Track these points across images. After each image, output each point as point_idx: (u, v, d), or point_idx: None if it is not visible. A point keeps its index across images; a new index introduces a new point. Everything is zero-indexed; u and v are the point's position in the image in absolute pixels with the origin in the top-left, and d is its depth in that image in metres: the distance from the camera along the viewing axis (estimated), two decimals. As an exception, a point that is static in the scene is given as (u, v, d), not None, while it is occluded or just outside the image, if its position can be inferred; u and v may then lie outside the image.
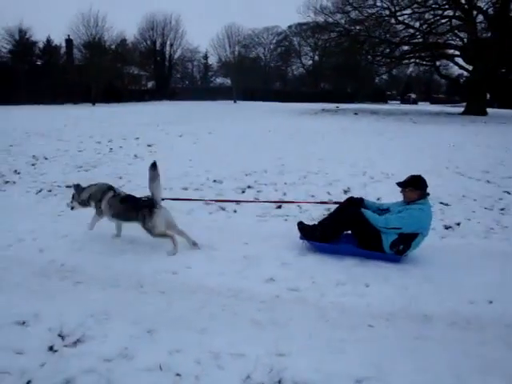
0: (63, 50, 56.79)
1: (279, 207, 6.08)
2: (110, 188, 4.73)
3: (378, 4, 27.43)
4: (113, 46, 53.80)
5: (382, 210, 4.60)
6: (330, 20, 30.36)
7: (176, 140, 12.77)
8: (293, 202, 6.07)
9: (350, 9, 28.54)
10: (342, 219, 4.46)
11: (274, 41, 66.94)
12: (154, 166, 4.42)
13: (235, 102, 45.55)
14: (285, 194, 6.72)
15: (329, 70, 45.89)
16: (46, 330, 2.98)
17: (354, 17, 29.06)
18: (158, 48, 60.65)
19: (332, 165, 8.76)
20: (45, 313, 3.18)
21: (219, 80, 66.34)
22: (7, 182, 7.44)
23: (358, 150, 10.72)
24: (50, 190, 6.77)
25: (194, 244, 4.46)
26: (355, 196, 4.96)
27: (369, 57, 31.70)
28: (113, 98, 47.65)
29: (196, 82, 68.13)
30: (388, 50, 29.83)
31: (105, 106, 39.76)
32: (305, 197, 6.55)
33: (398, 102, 60.68)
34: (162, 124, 17.28)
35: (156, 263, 4.11)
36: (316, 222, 4.74)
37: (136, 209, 4.40)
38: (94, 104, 43.71)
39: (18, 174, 8.13)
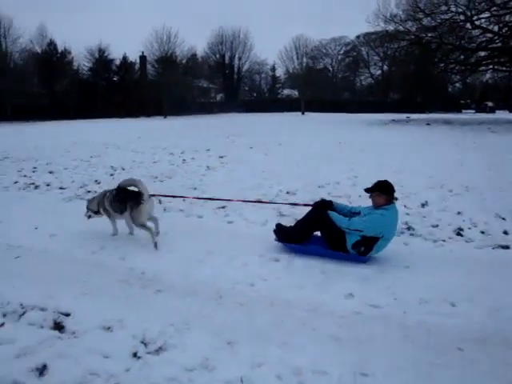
0: (137, 66, 59.45)
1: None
2: (107, 191, 5.41)
3: (453, 9, 26.49)
4: (184, 61, 55.60)
5: (354, 213, 4.78)
6: (401, 28, 29.66)
7: (247, 152, 12.93)
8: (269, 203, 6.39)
9: (422, 16, 27.80)
10: (311, 221, 4.73)
11: (342, 51, 66.50)
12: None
13: (303, 113, 45.54)
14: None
15: (398, 80, 44.76)
16: (130, 337, 3.06)
17: (426, 24, 28.23)
18: (226, 61, 62.05)
19: (407, 177, 8.48)
20: (128, 319, 3.27)
21: (286, 91, 66.74)
22: (89, 191, 7.83)
23: (433, 162, 10.34)
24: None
25: (156, 234, 5.00)
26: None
27: (441, 65, 30.61)
28: (183, 110, 49.11)
29: (263, 94, 68.83)
30: (462, 57, 28.71)
31: (176, 118, 41.05)
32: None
33: (473, 111, 58.03)
34: (232, 136, 17.60)
35: (234, 274, 4.13)
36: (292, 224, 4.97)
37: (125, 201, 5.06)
38: (165, 117, 45.29)
39: (99, 183, 8.55)
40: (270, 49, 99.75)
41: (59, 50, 59.05)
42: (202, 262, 4.45)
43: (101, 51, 58.55)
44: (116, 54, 60.58)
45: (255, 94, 68.59)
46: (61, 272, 4.25)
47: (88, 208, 5.49)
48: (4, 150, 15.33)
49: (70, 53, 59.22)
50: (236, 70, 62.72)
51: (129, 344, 2.98)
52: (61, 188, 8.30)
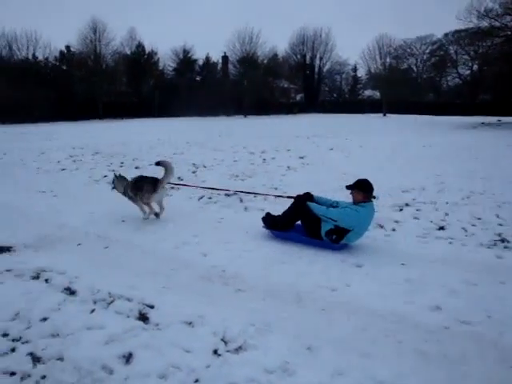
0: (219, 66, 60.82)
1: (441, 228, 5.63)
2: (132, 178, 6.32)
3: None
4: (265, 61, 56.00)
5: (335, 207, 5.13)
6: (496, 24, 27.85)
7: (327, 153, 12.77)
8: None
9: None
10: (292, 211, 5.22)
11: (428, 50, 63.70)
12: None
13: (385, 114, 44.28)
14: (447, 214, 6.20)
15: (490, 80, 42.10)
16: (211, 334, 3.09)
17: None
18: (307, 62, 61.62)
19: (499, 185, 7.92)
20: (209, 316, 3.30)
21: (368, 92, 65.18)
22: (172, 187, 8.07)
23: (530, 169, 9.59)
24: (210, 198, 7.18)
25: (157, 214, 6.05)
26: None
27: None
28: (263, 110, 49.50)
29: (344, 95, 67.72)
30: None
31: (256, 118, 41.46)
32: (469, 219, 5.98)
33: None
34: (312, 137, 17.46)
35: (314, 277, 4.05)
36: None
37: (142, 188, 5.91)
38: (245, 116, 45.91)
39: (181, 180, 8.79)
40: (351, 49, 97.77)
41: (147, 52, 61.89)
42: (283, 263, 4.41)
43: (185, 52, 60.69)
44: (199, 54, 62.47)
45: (335, 95, 67.60)
46: (145, 264, 4.40)
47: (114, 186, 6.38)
48: (95, 144, 16.30)
49: (156, 54, 61.96)
50: (317, 70, 62.11)
51: (209, 341, 3.01)
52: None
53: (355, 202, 4.94)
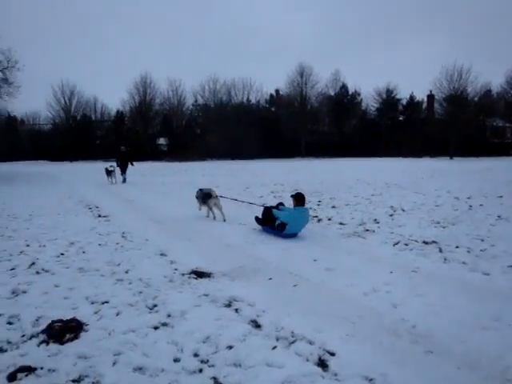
0: (424, 105, 58.75)
1: None
2: (201, 189, 9.99)
3: None
4: (476, 98, 52.13)
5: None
6: None
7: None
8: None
9: None
10: (263, 214, 8.20)
11: None
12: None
13: None
14: None
15: None
16: (395, 397, 2.82)
17: None
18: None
19: None
20: (392, 376, 3.03)
21: None
22: (367, 230, 7.89)
23: None
24: (406, 244, 6.78)
25: (224, 220, 9.36)
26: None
27: None
28: (472, 151, 45.84)
29: None
30: None
31: (463, 159, 38.55)
32: None
33: None
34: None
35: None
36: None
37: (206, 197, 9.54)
38: (451, 158, 43.08)
39: (378, 223, 8.53)
40: None
41: (350, 92, 63.35)
42: (485, 329, 3.82)
43: (388, 91, 60.29)
44: (403, 93, 61.36)
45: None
46: (331, 308, 4.29)
47: (196, 197, 9.99)
48: (296, 182, 17.08)
49: (359, 94, 63.12)
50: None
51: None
52: (341, 223, 8.61)
53: (294, 206, 7.72)
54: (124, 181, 20.85)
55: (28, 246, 7.25)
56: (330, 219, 9.08)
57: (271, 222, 7.80)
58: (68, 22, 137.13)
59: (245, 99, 66.37)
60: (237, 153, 54.07)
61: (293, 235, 7.52)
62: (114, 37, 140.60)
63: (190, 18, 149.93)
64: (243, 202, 10.41)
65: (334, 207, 10.60)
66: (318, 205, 11.09)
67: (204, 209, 9.82)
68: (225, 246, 6.98)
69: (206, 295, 4.63)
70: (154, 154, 62.83)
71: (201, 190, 9.91)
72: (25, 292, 4.90)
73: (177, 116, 68.20)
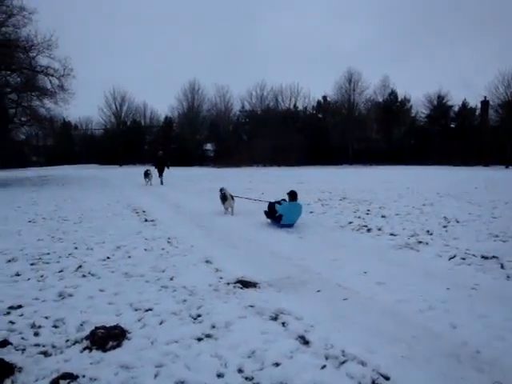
0: (478, 111, 56.78)
1: None
2: (222, 189, 11.61)
3: None
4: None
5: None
6: None
7: None
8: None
9: None
10: (268, 208, 9.82)
11: None
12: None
13: None
14: None
15: None
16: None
17: None
18: None
19: None
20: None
21: None
22: (420, 242, 7.50)
23: None
24: (463, 258, 6.36)
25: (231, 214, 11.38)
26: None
27: None
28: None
29: None
30: None
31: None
32: None
33: None
34: None
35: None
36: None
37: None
38: (507, 167, 41.27)
39: (430, 234, 8.12)
40: None
41: (399, 99, 62.01)
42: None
43: (439, 98, 58.57)
44: (455, 100, 59.45)
45: None
46: (384, 325, 4.02)
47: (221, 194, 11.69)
48: (343, 190, 16.73)
49: (408, 101, 61.67)
50: None
51: None
52: (391, 234, 8.24)
53: (289, 202, 9.40)
54: (161, 183, 22.33)
55: (76, 248, 7.35)
56: (379, 229, 8.72)
57: (272, 216, 9.56)
58: (120, 29, 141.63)
59: (292, 105, 66.32)
60: (283, 159, 53.95)
61: (289, 225, 9.23)
62: (164, 44, 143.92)
63: (239, 25, 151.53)
64: (254, 200, 12.22)
65: (383, 217, 10.21)
66: (367, 214, 10.73)
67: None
68: (271, 255, 6.80)
69: (252, 306, 4.47)
70: (201, 160, 63.72)
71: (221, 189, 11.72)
72: (71, 295, 4.91)
73: (224, 122, 68.89)
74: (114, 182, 25.36)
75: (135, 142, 67.06)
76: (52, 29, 32.55)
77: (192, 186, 21.40)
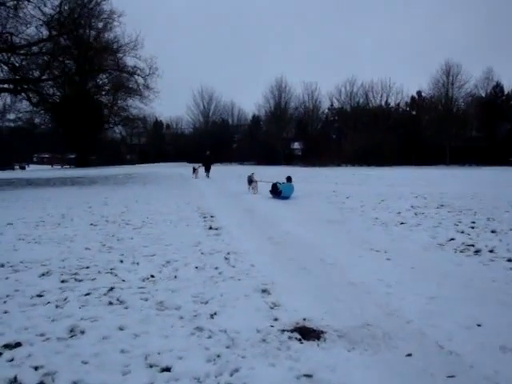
0: None
1: None
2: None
3: None
4: None
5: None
6: None
7: None
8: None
9: None
10: (272, 187, 15.37)
11: None
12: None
13: None
14: None
15: None
16: None
17: None
18: None
19: None
20: None
21: None
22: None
23: None
24: None
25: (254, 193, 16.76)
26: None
27: None
28: None
29: None
30: None
31: None
32: None
33: None
34: None
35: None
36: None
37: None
38: None
39: None
40: None
41: (505, 92, 56.46)
42: None
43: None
44: None
45: None
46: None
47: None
48: (440, 195, 14.58)
49: (517, 95, 55.78)
50: None
51: None
52: (509, 260, 6.32)
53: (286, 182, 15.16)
54: (207, 176, 27.93)
55: (121, 261, 6.40)
56: (491, 251, 6.76)
57: (275, 192, 14.93)
58: (210, 29, 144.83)
59: (383, 102, 63.08)
60: (373, 159, 51.22)
61: (286, 197, 14.53)
62: (251, 42, 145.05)
63: (330, 22, 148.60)
64: (268, 182, 16.61)
65: (493, 232, 8.23)
66: (472, 227, 8.75)
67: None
68: (348, 286, 5.23)
69: (309, 377, 3.08)
70: (288, 159, 62.66)
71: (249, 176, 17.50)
72: (83, 332, 3.88)
73: (312, 120, 67.29)
74: (195, 181, 24.89)
75: (223, 140, 67.54)
76: (138, 29, 33.12)
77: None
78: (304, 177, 27.13)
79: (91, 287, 5.14)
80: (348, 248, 7.31)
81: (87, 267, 6.07)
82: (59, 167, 69.11)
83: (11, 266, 6.15)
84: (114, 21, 27.57)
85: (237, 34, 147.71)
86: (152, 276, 5.65)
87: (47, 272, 5.84)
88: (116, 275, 5.70)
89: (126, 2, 27.62)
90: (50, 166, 74.12)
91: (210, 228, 9.07)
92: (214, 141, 65.66)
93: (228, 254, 6.77)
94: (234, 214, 11.47)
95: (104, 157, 69.37)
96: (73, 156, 67.37)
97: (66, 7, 24.22)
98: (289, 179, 15.11)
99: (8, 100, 28.82)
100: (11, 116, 37.09)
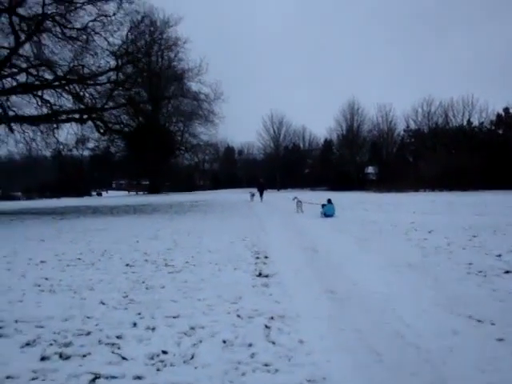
0: None
1: None
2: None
3: None
4: None
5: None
6: None
7: None
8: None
9: None
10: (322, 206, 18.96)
11: None
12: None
13: None
14: None
15: None
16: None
17: None
18: None
19: None
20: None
21: None
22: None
23: None
24: None
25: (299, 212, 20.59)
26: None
27: None
28: None
29: None
30: None
31: None
32: None
33: None
34: None
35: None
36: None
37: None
38: None
39: None
40: None
41: None
42: None
43: None
44: None
45: None
46: None
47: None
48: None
49: None
50: None
51: None
52: None
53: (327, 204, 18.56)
54: (261, 201, 32.47)
55: (135, 325, 5.00)
56: None
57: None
58: (276, 55, 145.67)
59: (465, 121, 58.88)
60: (455, 183, 47.37)
61: (330, 216, 17.79)
62: (319, 65, 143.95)
63: (402, 44, 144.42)
64: (316, 203, 20.17)
65: None
66: None
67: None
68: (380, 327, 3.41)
69: None
70: (361, 183, 60.08)
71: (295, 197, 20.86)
72: None
73: (387, 143, 64.37)
74: (260, 209, 23.51)
75: (294, 165, 66.29)
76: (202, 55, 33.00)
77: (342, 215, 18.29)
78: (378, 204, 24.91)
79: (72, 373, 3.74)
80: (436, 312, 5.33)
81: (88, 333, 4.71)
82: (134, 193, 71.07)
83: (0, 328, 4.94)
84: (180, 47, 27.39)
85: (312, 59, 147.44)
86: (164, 352, 4.18)
87: (34, 341, 4.52)
88: (118, 348, 4.29)
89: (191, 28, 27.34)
90: (126, 192, 76.51)
91: (260, 275, 7.47)
92: (285, 166, 64.59)
93: (271, 318, 5.12)
94: (291, 250, 9.80)
95: (177, 183, 70.48)
96: (147, 182, 69.01)
97: (132, 36, 24.26)
98: (329, 201, 18.60)
99: (79, 129, 29.40)
100: (90, 145, 38.03)
